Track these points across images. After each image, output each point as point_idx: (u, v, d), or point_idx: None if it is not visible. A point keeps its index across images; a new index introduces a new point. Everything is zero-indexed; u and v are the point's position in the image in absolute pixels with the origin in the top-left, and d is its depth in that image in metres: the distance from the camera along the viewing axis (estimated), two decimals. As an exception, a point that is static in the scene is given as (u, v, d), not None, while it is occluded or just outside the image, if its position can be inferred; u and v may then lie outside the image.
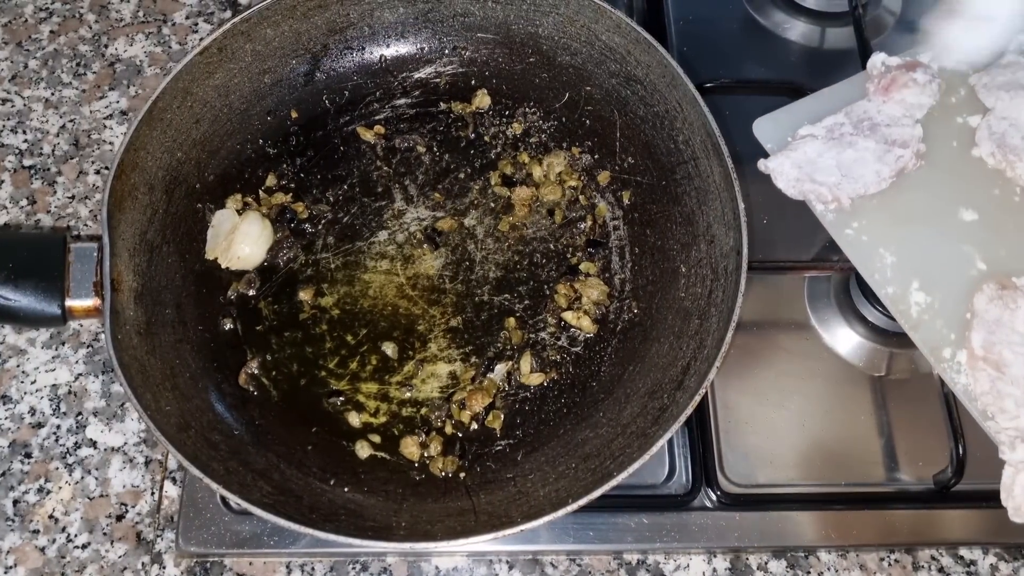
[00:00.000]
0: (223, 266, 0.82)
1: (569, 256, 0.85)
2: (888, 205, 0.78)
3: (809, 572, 0.79)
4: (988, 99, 0.81)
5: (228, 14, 1.03)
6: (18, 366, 0.84)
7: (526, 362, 0.80)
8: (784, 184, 0.79)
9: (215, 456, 0.70)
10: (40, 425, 0.82)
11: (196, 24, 1.03)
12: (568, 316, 0.82)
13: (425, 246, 0.85)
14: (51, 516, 0.79)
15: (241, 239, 0.81)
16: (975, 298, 0.73)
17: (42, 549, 0.77)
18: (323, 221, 0.86)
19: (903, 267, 0.76)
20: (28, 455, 0.81)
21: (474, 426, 0.78)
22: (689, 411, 0.68)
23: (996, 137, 0.79)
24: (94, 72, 0.99)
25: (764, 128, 0.83)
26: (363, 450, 0.76)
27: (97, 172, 0.93)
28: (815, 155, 0.79)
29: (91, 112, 0.97)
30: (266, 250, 0.83)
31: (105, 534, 0.78)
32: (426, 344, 0.81)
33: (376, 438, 0.77)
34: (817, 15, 1.05)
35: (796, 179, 0.79)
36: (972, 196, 0.78)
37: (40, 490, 0.80)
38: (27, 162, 0.94)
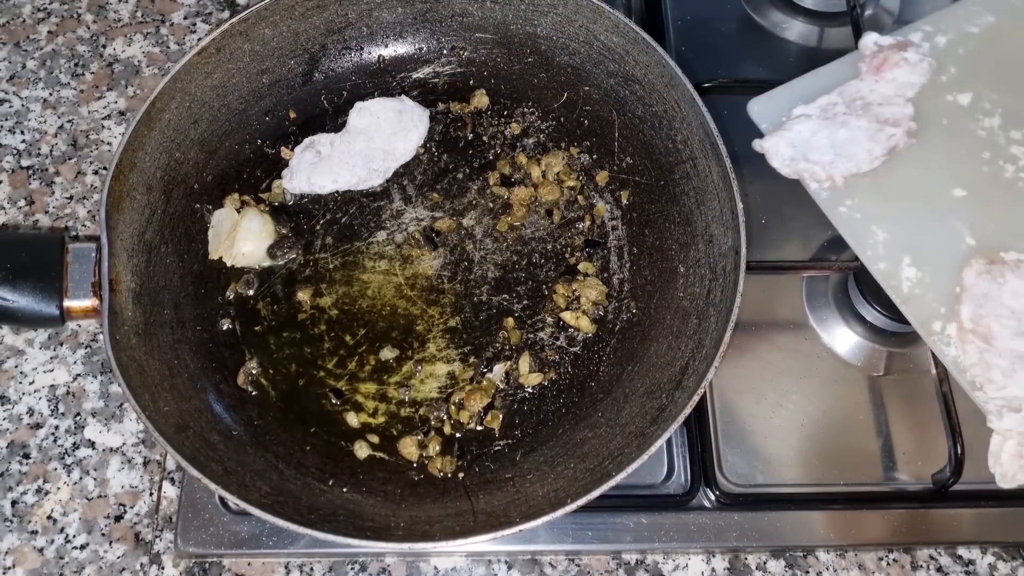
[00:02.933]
0: (228, 264, 0.82)
1: (567, 256, 0.85)
2: (880, 183, 0.79)
3: (808, 572, 0.79)
4: None
5: (226, 14, 1.03)
6: (16, 367, 0.84)
7: (524, 362, 0.80)
8: (778, 163, 0.80)
9: (213, 456, 0.70)
10: (38, 426, 0.82)
11: (194, 24, 1.03)
12: (566, 316, 0.82)
13: (424, 246, 0.85)
14: (49, 517, 0.79)
15: (243, 235, 0.81)
16: (964, 272, 0.75)
17: (40, 550, 0.77)
18: (321, 221, 0.86)
19: (894, 243, 0.77)
20: (26, 456, 0.81)
21: (473, 426, 0.78)
22: (688, 411, 0.68)
23: None
24: (92, 72, 0.99)
25: (758, 108, 0.83)
26: (361, 450, 0.76)
27: (95, 172, 0.93)
28: (809, 134, 0.80)
29: (89, 112, 0.97)
30: (268, 246, 0.83)
31: (103, 535, 0.78)
32: (424, 344, 0.81)
33: (374, 438, 0.77)
34: (815, 15, 1.05)
35: (790, 158, 0.79)
36: (962, 173, 0.80)
37: (38, 491, 0.79)
38: (25, 162, 0.94)
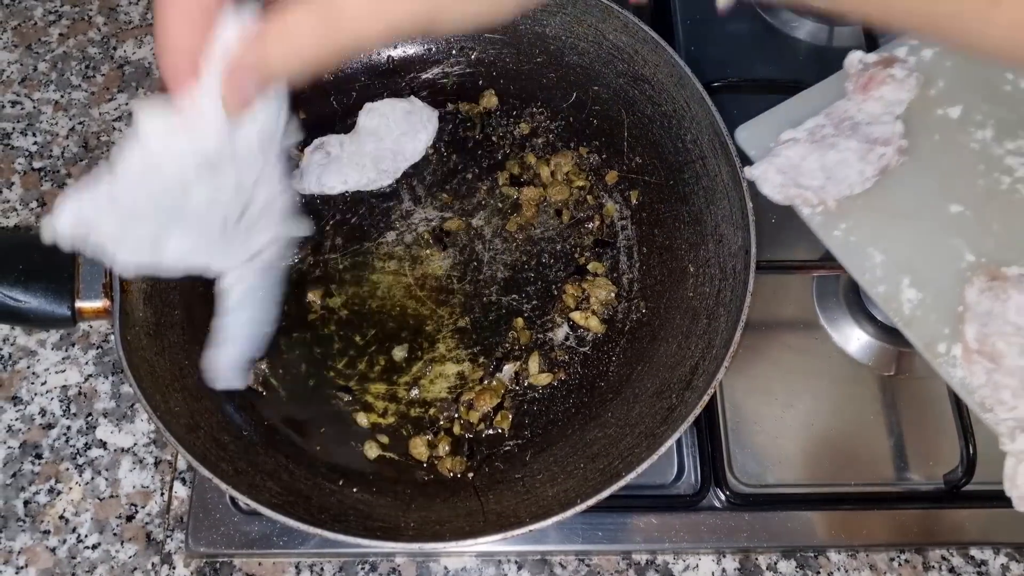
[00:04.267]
0: (236, 265, 0.82)
1: (577, 256, 0.85)
2: (874, 204, 0.77)
3: (819, 572, 0.78)
4: None
5: (236, 16, 1.03)
6: (28, 367, 0.85)
7: (534, 362, 0.80)
8: (769, 190, 0.78)
9: (224, 456, 0.70)
10: (50, 426, 0.82)
11: (204, 26, 1.03)
12: (576, 316, 0.82)
13: (433, 247, 0.85)
14: (61, 516, 0.79)
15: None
16: (966, 291, 0.73)
17: (53, 549, 0.78)
18: (331, 222, 0.86)
19: (893, 265, 0.75)
20: (39, 456, 0.81)
21: (482, 426, 0.78)
22: (698, 411, 0.68)
23: None
24: (103, 74, 1.00)
25: (746, 135, 0.81)
26: (371, 450, 0.76)
27: (106, 174, 0.94)
28: (798, 159, 0.78)
29: (100, 114, 0.97)
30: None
31: (115, 534, 0.78)
32: (434, 344, 0.81)
33: (384, 438, 0.77)
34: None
35: (781, 184, 0.78)
36: (957, 188, 0.77)
37: (51, 491, 0.80)
38: (37, 164, 0.94)
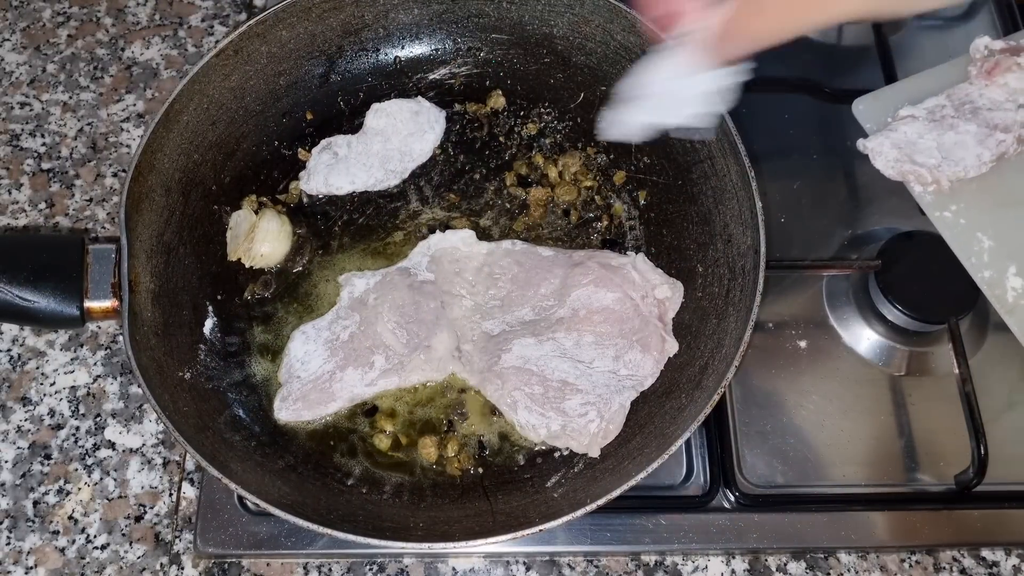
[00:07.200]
0: (247, 265, 0.82)
1: (585, 256, 0.85)
2: (988, 189, 0.78)
3: (829, 574, 0.78)
4: None
5: (243, 16, 1.03)
6: (37, 368, 0.85)
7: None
8: (882, 165, 0.79)
9: (233, 456, 0.70)
10: (59, 427, 0.82)
11: (212, 27, 1.03)
12: (584, 316, 0.82)
13: (441, 247, 0.85)
14: (70, 517, 0.79)
15: (261, 236, 0.81)
16: None
17: (62, 550, 0.78)
18: (339, 222, 0.86)
19: (1000, 251, 0.76)
20: (48, 456, 0.81)
21: (493, 423, 0.78)
22: (707, 411, 0.68)
23: None
24: (111, 75, 1.00)
25: (863, 108, 0.82)
26: (382, 442, 0.76)
27: (114, 175, 0.94)
28: (915, 136, 0.79)
29: (108, 115, 0.97)
30: (287, 246, 0.83)
31: (124, 535, 0.78)
32: (442, 345, 0.81)
33: (393, 439, 0.77)
34: (833, 12, 1.04)
35: (895, 160, 0.79)
36: None
37: (60, 491, 0.80)
38: (45, 165, 0.94)
